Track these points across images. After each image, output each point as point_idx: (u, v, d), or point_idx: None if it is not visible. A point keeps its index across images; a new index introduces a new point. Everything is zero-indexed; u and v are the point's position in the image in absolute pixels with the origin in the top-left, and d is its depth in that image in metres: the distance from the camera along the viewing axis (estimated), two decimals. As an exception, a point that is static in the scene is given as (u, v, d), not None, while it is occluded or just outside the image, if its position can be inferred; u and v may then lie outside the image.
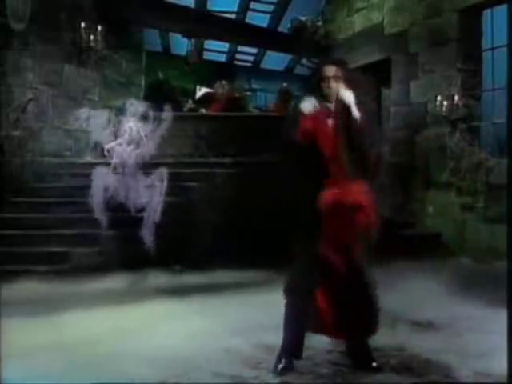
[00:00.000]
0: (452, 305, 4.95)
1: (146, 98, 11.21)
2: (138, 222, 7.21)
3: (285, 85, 12.62)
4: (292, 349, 3.47)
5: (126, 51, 10.45)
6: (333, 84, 3.37)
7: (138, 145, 8.51)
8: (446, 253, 7.99)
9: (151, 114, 7.50)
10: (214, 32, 11.48)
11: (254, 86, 16.04)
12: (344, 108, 3.32)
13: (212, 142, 8.60)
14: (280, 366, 3.42)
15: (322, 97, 3.43)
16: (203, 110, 10.94)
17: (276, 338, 3.54)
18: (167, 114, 7.58)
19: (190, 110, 11.22)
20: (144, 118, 7.59)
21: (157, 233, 6.89)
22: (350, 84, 3.43)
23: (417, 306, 4.88)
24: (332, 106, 3.41)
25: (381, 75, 10.25)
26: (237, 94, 11.99)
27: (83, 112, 7.37)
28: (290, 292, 3.43)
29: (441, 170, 8.54)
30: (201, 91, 11.54)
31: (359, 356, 3.54)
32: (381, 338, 3.92)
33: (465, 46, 8.37)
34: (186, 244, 6.98)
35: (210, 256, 6.54)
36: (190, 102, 11.46)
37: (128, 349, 3.74)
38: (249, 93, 14.35)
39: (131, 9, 9.94)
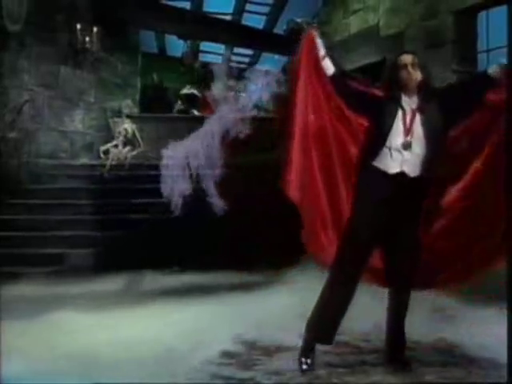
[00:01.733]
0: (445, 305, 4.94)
1: (142, 99, 11.23)
2: (134, 223, 7.24)
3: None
4: (325, 335, 3.47)
5: (122, 53, 10.45)
6: (412, 71, 3.37)
7: (133, 146, 8.53)
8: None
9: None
10: (209, 34, 11.49)
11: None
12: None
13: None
14: (307, 360, 3.42)
15: (401, 86, 3.39)
16: (195, 112, 10.98)
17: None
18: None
19: (180, 111, 11.26)
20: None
21: (155, 233, 6.92)
22: (426, 72, 3.45)
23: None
24: (407, 97, 3.37)
25: (376, 77, 10.26)
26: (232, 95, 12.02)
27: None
28: (338, 273, 3.39)
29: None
30: (189, 90, 11.57)
31: (395, 348, 3.54)
32: (377, 339, 3.96)
33: (460, 48, 8.38)
34: (184, 245, 6.99)
35: (207, 257, 6.56)
36: (179, 103, 11.49)
37: (122, 349, 3.74)
38: (244, 94, 14.36)
39: (127, 10, 9.95)
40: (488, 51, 8.36)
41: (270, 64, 15.22)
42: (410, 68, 3.36)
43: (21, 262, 6.46)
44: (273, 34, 13.27)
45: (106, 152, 8.98)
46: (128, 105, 10.30)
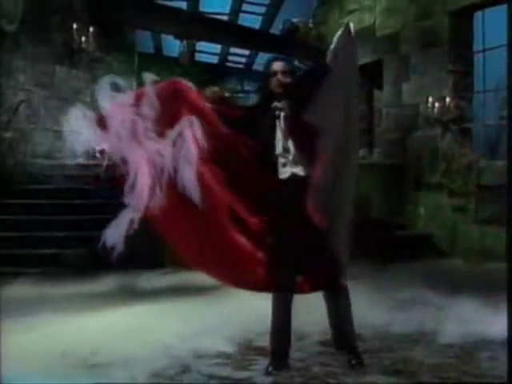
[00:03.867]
0: (442, 307, 4.95)
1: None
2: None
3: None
4: (284, 351, 3.49)
5: (119, 52, 10.44)
6: (281, 78, 3.46)
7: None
8: (437, 254, 8.04)
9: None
10: (206, 33, 11.49)
11: (247, 87, 16.07)
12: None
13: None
14: (272, 366, 3.42)
15: (271, 93, 3.50)
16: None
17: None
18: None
19: None
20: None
21: (150, 234, 6.88)
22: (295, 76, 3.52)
23: (407, 309, 4.89)
24: (278, 103, 3.47)
25: (372, 77, 10.29)
26: (226, 95, 12.02)
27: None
28: (276, 298, 3.45)
29: (432, 172, 8.57)
30: None
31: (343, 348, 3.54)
32: (372, 341, 3.97)
33: (456, 48, 8.41)
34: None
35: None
36: None
37: (117, 350, 3.74)
38: (241, 94, 14.37)
39: (124, 10, 9.93)
40: (484, 51, 8.39)
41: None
42: (279, 75, 3.47)
43: (17, 262, 6.45)
44: (269, 34, 13.28)
45: (102, 152, 8.95)
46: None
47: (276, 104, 3.48)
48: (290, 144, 3.42)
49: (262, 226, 3.44)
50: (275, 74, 3.47)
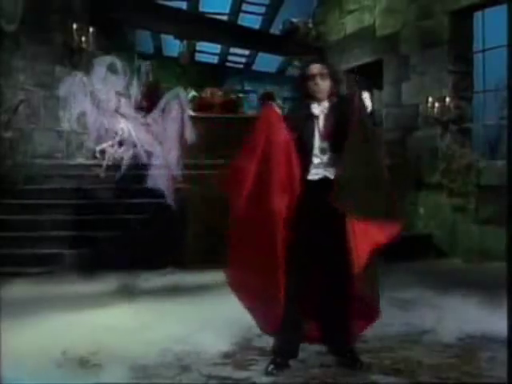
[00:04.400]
0: (442, 307, 4.95)
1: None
2: (130, 223, 7.23)
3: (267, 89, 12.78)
4: (288, 352, 3.50)
5: (118, 53, 10.44)
6: (320, 81, 3.47)
7: (130, 146, 8.50)
8: (437, 254, 8.03)
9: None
10: (205, 34, 11.49)
11: (247, 87, 16.07)
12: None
13: (205, 144, 8.58)
14: (272, 366, 3.42)
15: (308, 96, 3.51)
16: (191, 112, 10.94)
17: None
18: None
19: None
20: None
21: (150, 234, 6.92)
22: (336, 81, 3.56)
23: (407, 309, 4.88)
24: (317, 105, 3.50)
25: (372, 77, 10.28)
26: (232, 96, 11.99)
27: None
28: (289, 298, 3.39)
29: (432, 172, 8.57)
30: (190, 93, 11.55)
31: (341, 355, 3.55)
32: (371, 341, 3.96)
33: (456, 48, 8.40)
34: (179, 245, 6.99)
35: (201, 256, 6.57)
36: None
37: (117, 350, 3.73)
38: (241, 94, 14.36)
39: (123, 10, 9.93)
40: (484, 51, 8.38)
41: (266, 64, 15.27)
42: (317, 78, 3.47)
43: (16, 262, 6.45)
44: (269, 34, 13.29)
45: (102, 152, 8.95)
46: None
47: (315, 105, 3.49)
48: (326, 145, 3.43)
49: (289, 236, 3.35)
50: (313, 77, 3.47)
